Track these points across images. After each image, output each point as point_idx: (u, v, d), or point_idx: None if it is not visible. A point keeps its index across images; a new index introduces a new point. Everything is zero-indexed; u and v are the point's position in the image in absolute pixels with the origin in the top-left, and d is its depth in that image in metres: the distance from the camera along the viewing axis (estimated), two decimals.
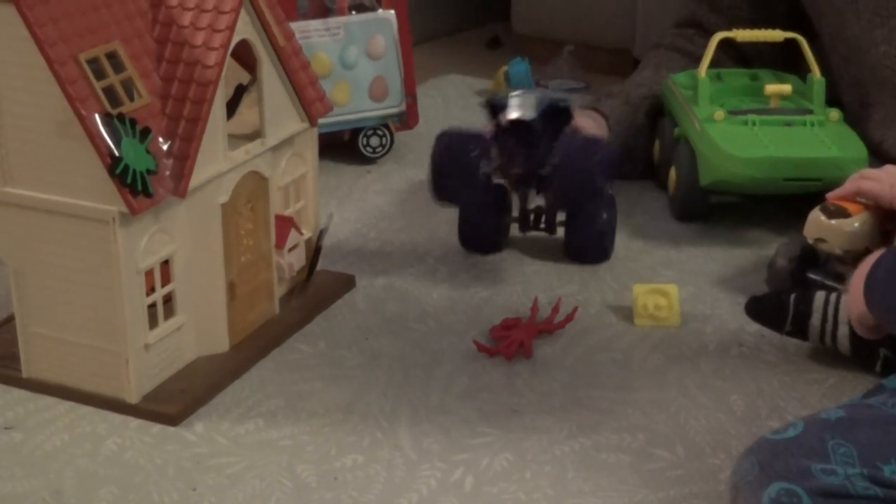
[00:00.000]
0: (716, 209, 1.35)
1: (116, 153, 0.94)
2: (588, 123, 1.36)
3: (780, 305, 1.08)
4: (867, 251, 1.11)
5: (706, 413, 1.02)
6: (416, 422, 1.01)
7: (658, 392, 1.05)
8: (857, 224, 1.10)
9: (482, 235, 1.28)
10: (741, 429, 0.99)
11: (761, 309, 1.09)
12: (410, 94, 1.55)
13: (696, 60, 1.39)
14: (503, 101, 1.21)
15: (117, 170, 0.94)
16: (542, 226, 1.28)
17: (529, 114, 1.18)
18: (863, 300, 0.93)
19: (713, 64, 1.37)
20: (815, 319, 1.07)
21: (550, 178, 1.19)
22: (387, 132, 1.54)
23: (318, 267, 1.21)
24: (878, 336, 0.99)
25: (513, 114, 1.18)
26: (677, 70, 1.44)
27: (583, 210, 1.24)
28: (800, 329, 1.07)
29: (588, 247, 1.26)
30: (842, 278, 1.11)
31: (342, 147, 1.54)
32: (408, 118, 1.56)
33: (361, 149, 1.53)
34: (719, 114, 1.31)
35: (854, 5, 1.34)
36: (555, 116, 1.22)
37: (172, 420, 1.01)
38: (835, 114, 1.32)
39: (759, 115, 1.32)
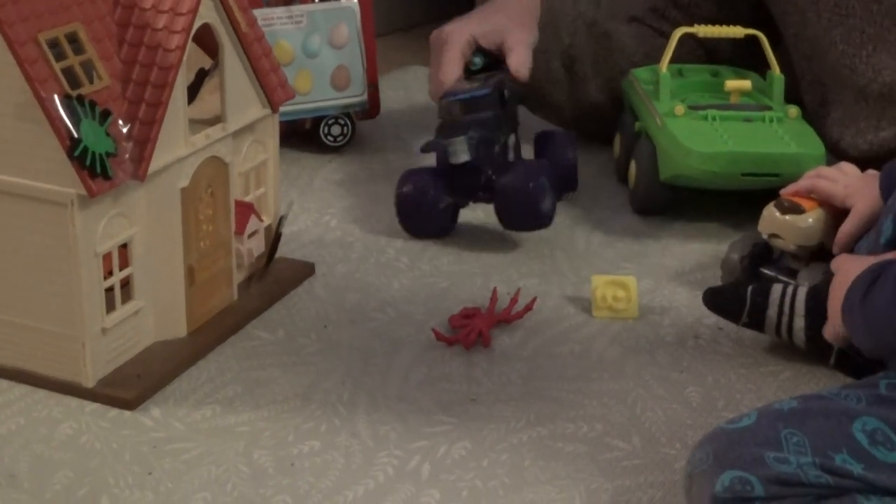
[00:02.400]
0: (675, 203, 1.36)
1: (76, 135, 0.94)
2: (516, 38, 1.38)
3: (737, 297, 1.09)
4: (821, 247, 1.12)
5: (663, 404, 1.03)
6: (374, 409, 1.01)
7: (615, 383, 1.06)
8: (810, 220, 1.12)
9: (424, 217, 1.29)
10: (697, 420, 1.00)
11: (718, 300, 1.10)
12: (373, 84, 1.55)
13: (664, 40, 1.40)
14: (438, 145, 1.26)
15: (76, 152, 0.94)
16: (481, 196, 1.28)
17: (465, 156, 1.25)
18: (839, 318, 0.93)
19: (675, 60, 1.38)
20: (772, 312, 1.08)
21: (496, 204, 1.26)
22: (348, 121, 1.54)
23: (278, 254, 1.21)
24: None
25: (453, 159, 1.25)
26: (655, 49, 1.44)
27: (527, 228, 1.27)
28: (756, 321, 1.08)
29: (518, 208, 1.25)
30: (795, 274, 1.12)
31: (303, 136, 1.53)
32: (370, 108, 1.56)
33: (322, 137, 1.53)
34: (679, 109, 1.32)
35: (815, 5, 1.35)
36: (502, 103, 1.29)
37: (129, 405, 1.00)
38: (794, 110, 1.33)
39: (719, 110, 1.33)
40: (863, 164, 1.16)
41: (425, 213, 1.28)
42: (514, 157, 1.32)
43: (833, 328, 0.97)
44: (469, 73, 1.39)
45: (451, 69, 1.37)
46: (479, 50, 1.41)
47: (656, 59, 1.39)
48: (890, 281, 0.85)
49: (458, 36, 1.39)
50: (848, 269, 0.93)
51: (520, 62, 1.36)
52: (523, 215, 1.25)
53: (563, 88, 1.49)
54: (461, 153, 1.24)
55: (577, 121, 1.52)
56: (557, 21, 1.48)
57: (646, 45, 1.48)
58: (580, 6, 1.50)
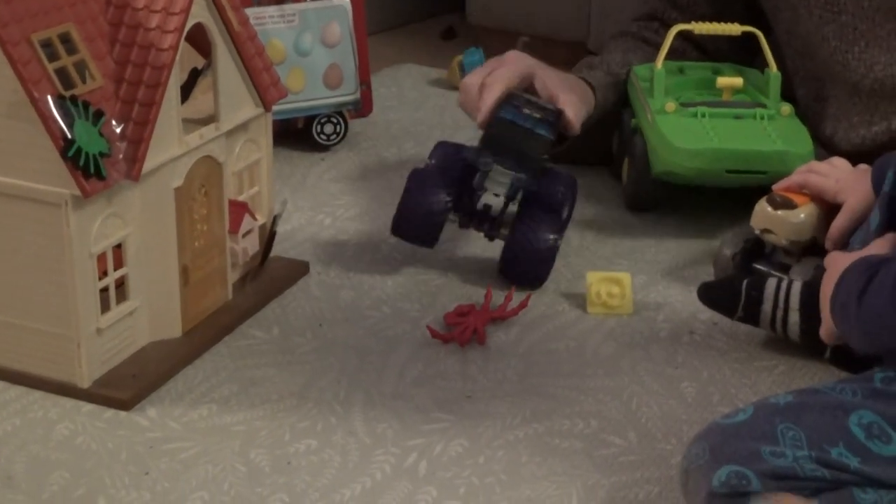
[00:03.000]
0: (668, 199, 1.37)
1: (69, 135, 0.94)
2: (571, 98, 1.31)
3: (732, 291, 1.09)
4: (813, 242, 1.12)
5: (658, 399, 1.03)
6: (371, 407, 1.01)
7: (611, 379, 1.06)
8: (802, 215, 1.12)
9: (418, 224, 1.21)
10: (692, 415, 1.00)
11: (713, 295, 1.10)
12: (365, 83, 1.55)
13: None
14: (487, 164, 1.19)
15: (70, 152, 0.93)
16: (485, 228, 1.23)
17: (501, 190, 1.19)
18: (829, 315, 0.93)
19: (677, 57, 1.38)
20: (767, 306, 1.08)
21: (503, 253, 1.20)
22: (341, 120, 1.54)
23: (272, 253, 1.21)
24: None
25: (489, 186, 1.19)
26: (643, 59, 1.45)
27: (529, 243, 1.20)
28: (751, 315, 1.09)
29: (523, 267, 1.20)
30: (787, 269, 1.13)
31: (296, 134, 1.53)
32: (362, 106, 1.56)
33: (315, 136, 1.53)
34: (670, 105, 1.32)
35: (806, 1, 1.35)
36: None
37: (124, 405, 1.00)
38: (786, 108, 1.33)
39: (710, 107, 1.33)
40: (856, 158, 1.17)
41: (424, 224, 1.21)
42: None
43: (827, 328, 0.97)
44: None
45: (509, 78, 1.29)
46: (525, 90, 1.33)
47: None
48: (888, 282, 0.85)
49: (522, 64, 1.32)
50: (839, 266, 0.93)
51: (576, 115, 1.30)
52: (524, 275, 1.20)
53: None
54: (501, 186, 1.19)
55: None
56: None
57: (631, 58, 1.47)
58: None
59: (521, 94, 1.27)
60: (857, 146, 1.33)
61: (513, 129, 1.21)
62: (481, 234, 1.24)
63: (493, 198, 1.20)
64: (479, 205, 1.21)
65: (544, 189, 1.21)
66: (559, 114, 1.27)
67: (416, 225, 1.21)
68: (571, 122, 1.29)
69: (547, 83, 1.32)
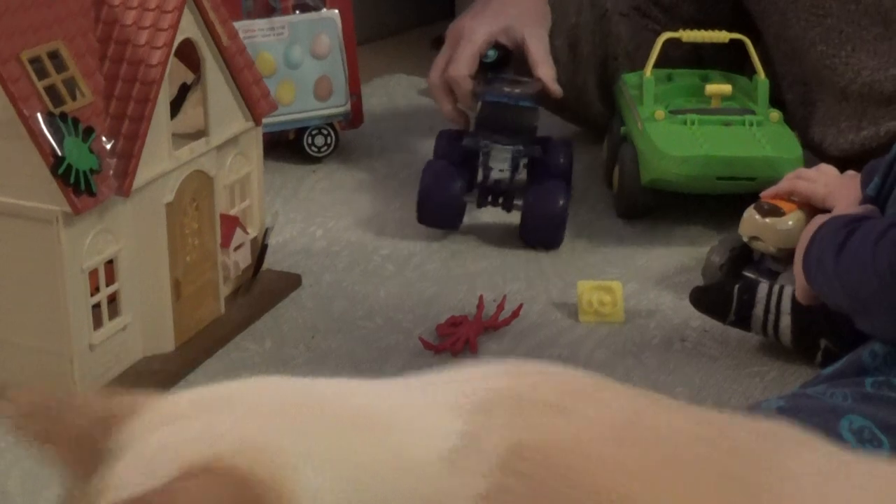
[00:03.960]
0: (658, 207, 1.37)
1: (59, 152, 0.94)
2: (544, 66, 1.39)
3: (724, 296, 1.09)
4: None
5: None
6: None
7: None
8: (790, 223, 1.12)
9: (442, 210, 1.32)
10: None
11: (705, 299, 1.10)
12: (355, 94, 1.55)
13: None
14: (486, 146, 1.31)
15: (60, 169, 0.94)
16: (501, 202, 1.32)
17: (505, 166, 1.31)
18: (803, 274, 0.94)
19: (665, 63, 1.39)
20: (759, 310, 1.08)
21: (523, 217, 1.31)
22: (332, 131, 1.54)
23: (265, 266, 1.21)
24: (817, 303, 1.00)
25: (494, 165, 1.31)
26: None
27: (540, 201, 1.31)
28: (743, 319, 1.09)
29: (543, 232, 1.30)
30: (776, 276, 1.13)
31: (287, 146, 1.54)
32: (353, 117, 1.56)
33: (307, 148, 1.54)
34: (659, 113, 1.33)
35: (794, 4, 1.36)
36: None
37: None
38: (775, 114, 1.34)
39: (699, 114, 1.33)
40: (844, 163, 1.17)
41: (444, 205, 1.32)
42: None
43: (801, 287, 0.97)
44: (482, 65, 1.40)
45: (467, 64, 1.38)
46: (494, 45, 1.42)
47: (647, 53, 1.39)
48: (870, 237, 0.85)
49: (477, 33, 1.40)
50: (811, 228, 0.94)
51: (551, 76, 1.38)
52: (546, 236, 1.30)
53: (565, 70, 1.46)
54: (503, 161, 1.30)
55: (572, 104, 1.51)
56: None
57: (638, 37, 1.48)
58: None
59: (499, 76, 1.38)
60: (845, 151, 1.34)
61: (500, 108, 1.32)
62: (472, 244, 1.26)
63: (500, 173, 1.30)
64: (490, 181, 1.31)
65: (548, 159, 1.34)
66: (538, 83, 1.37)
67: (440, 213, 1.32)
68: (551, 90, 1.37)
69: (510, 34, 1.40)
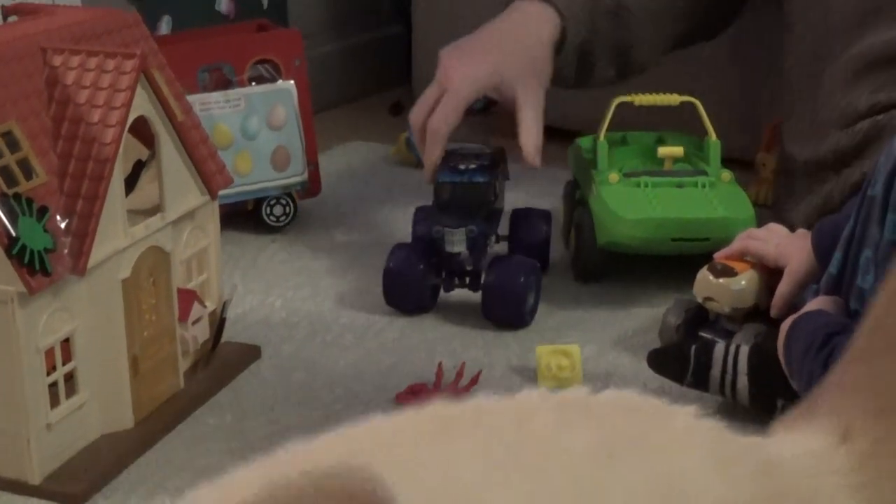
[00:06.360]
0: (614, 269, 1.38)
1: (13, 233, 0.94)
2: (531, 125, 1.34)
3: (681, 357, 1.10)
4: (756, 309, 1.14)
5: None
6: None
7: None
8: (743, 283, 1.14)
9: (407, 295, 1.31)
10: None
11: (662, 361, 1.11)
12: (313, 163, 1.56)
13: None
14: (438, 232, 1.29)
15: (14, 250, 0.94)
16: (467, 283, 1.31)
17: (461, 248, 1.28)
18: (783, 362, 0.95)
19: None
20: (716, 371, 1.09)
21: (483, 295, 1.29)
22: (290, 201, 1.54)
23: (223, 338, 1.21)
24: None
25: (449, 248, 1.28)
26: None
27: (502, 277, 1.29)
28: (700, 380, 1.10)
29: (502, 310, 1.28)
30: (731, 335, 1.14)
31: (246, 217, 1.54)
32: (311, 186, 1.57)
33: (265, 218, 1.54)
34: (613, 176, 1.34)
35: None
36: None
37: (76, 500, 1.00)
38: (727, 175, 1.36)
39: (653, 177, 1.35)
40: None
41: (410, 289, 1.30)
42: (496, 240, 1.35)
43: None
44: (468, 111, 1.36)
45: (447, 120, 1.32)
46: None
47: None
48: None
49: (464, 86, 1.32)
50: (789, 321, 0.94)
51: (533, 146, 1.33)
52: (507, 314, 1.28)
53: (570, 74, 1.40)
54: (458, 244, 1.28)
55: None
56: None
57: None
58: None
59: (456, 150, 1.36)
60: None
61: (454, 188, 1.32)
62: (430, 312, 1.28)
63: (458, 255, 1.29)
64: (453, 264, 1.30)
65: (522, 233, 1.38)
66: (499, 150, 1.38)
67: (406, 298, 1.31)
68: (529, 162, 1.33)
69: (503, 92, 1.34)
